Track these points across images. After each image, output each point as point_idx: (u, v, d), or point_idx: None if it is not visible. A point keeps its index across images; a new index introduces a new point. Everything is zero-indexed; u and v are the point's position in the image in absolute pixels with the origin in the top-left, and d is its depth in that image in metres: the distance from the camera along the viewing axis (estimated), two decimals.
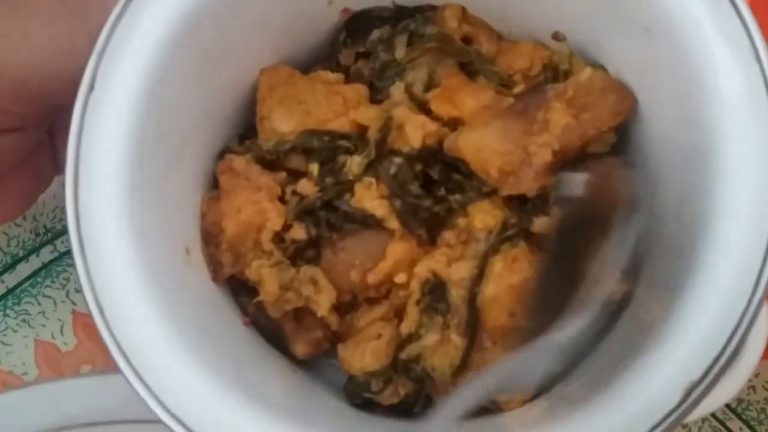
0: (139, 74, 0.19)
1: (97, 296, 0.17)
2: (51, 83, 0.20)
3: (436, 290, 0.22)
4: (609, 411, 0.16)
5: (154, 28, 0.20)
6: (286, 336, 0.25)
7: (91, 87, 0.18)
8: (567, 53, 0.24)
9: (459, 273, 0.22)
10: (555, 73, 0.24)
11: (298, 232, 0.23)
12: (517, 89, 0.24)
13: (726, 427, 0.28)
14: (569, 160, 0.23)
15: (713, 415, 0.29)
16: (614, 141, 0.24)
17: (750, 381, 0.29)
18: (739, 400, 0.29)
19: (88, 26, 0.19)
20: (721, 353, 0.16)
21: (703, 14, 0.19)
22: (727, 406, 0.29)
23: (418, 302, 0.23)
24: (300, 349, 0.25)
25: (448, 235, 0.23)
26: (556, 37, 0.25)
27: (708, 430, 0.29)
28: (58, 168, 0.25)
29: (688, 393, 0.16)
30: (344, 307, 0.24)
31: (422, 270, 0.23)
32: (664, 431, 0.16)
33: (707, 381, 0.16)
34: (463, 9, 0.25)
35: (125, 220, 0.18)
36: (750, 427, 0.28)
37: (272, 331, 0.25)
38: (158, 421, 0.23)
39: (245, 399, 0.18)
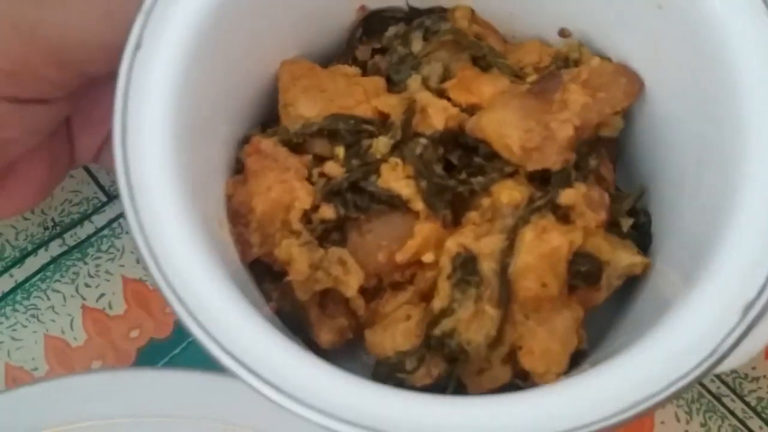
0: (180, 41, 0.20)
1: (150, 245, 0.17)
2: (84, 50, 0.20)
3: (467, 264, 0.22)
4: (667, 341, 0.16)
5: (192, 3, 0.20)
6: (311, 323, 0.24)
7: (138, 45, 0.18)
8: (576, 44, 0.26)
9: (489, 246, 0.22)
10: (566, 62, 0.26)
11: (327, 212, 0.23)
12: (530, 79, 0.26)
13: (746, 426, 0.29)
14: (585, 140, 0.24)
15: (733, 413, 0.29)
16: (623, 126, 0.25)
17: None
18: (759, 398, 0.29)
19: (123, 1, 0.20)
20: None
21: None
22: (746, 404, 0.29)
23: (449, 277, 0.23)
24: (325, 336, 0.24)
25: (472, 216, 0.24)
26: (563, 33, 0.27)
27: (728, 429, 0.29)
28: (75, 161, 0.25)
29: (746, 311, 0.16)
30: (369, 293, 0.24)
31: (452, 245, 0.23)
32: (727, 351, 0.16)
33: (763, 299, 0.16)
34: (472, 11, 0.27)
35: (174, 176, 0.18)
36: None
37: (296, 319, 0.24)
38: (170, 416, 0.22)
39: (291, 347, 0.18)
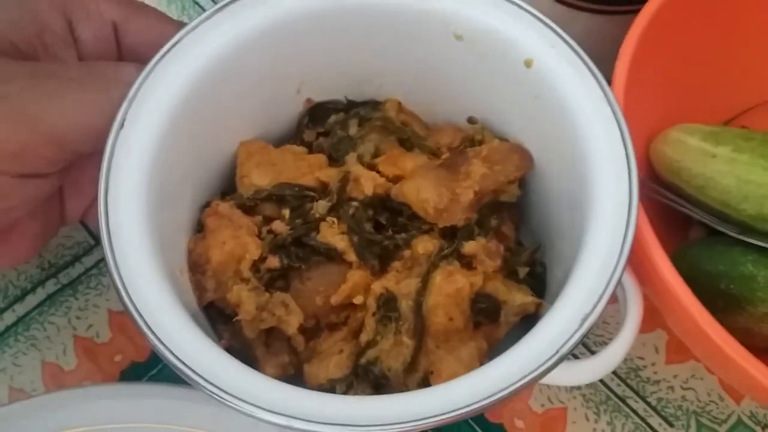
0: (156, 122, 0.25)
1: (126, 286, 0.21)
2: (78, 134, 0.24)
3: (389, 303, 0.27)
4: (531, 344, 0.21)
5: (169, 91, 0.26)
6: (257, 359, 0.28)
7: (122, 124, 0.24)
8: (480, 128, 0.32)
9: (407, 287, 0.27)
10: (472, 143, 0.31)
11: (273, 262, 0.27)
12: (444, 157, 0.31)
13: (647, 423, 0.33)
14: (486, 202, 0.29)
15: (636, 413, 0.33)
16: (520, 194, 0.31)
17: (669, 381, 0.34)
18: (659, 399, 0.33)
19: (109, 94, 0.25)
20: (603, 293, 0.21)
21: (574, 82, 0.26)
22: (648, 404, 0.33)
23: (374, 314, 0.27)
24: (269, 371, 0.28)
25: (396, 265, 0.28)
26: (470, 120, 0.32)
27: (631, 426, 0.32)
28: (64, 219, 0.29)
29: (583, 320, 0.21)
30: (309, 333, 0.28)
31: (377, 288, 0.27)
32: (568, 351, 0.20)
33: (595, 312, 0.21)
34: (399, 103, 0.33)
35: (145, 231, 0.23)
36: (668, 422, 0.33)
37: (245, 355, 0.28)
38: (154, 422, 0.25)
39: (232, 361, 0.22)
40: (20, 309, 0.33)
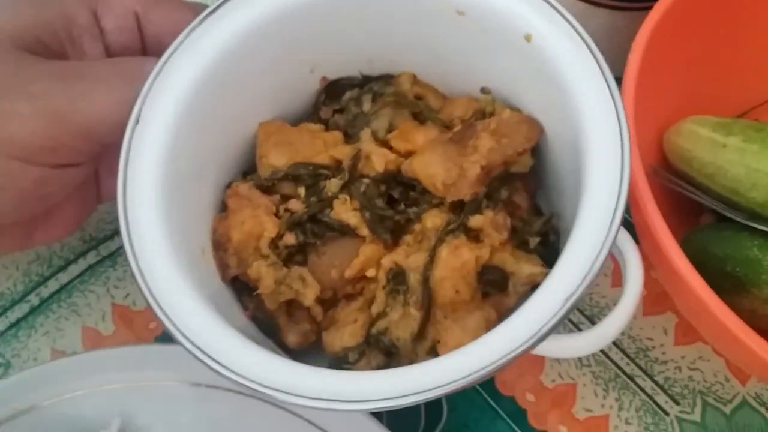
0: (171, 115, 0.27)
1: (143, 273, 0.24)
2: (107, 128, 0.27)
3: (398, 276, 0.28)
4: (521, 321, 0.22)
5: (181, 83, 0.27)
6: (280, 328, 0.30)
7: (137, 121, 0.26)
8: (491, 100, 0.32)
9: (415, 261, 0.28)
10: (483, 115, 0.31)
11: (290, 239, 0.29)
12: (456, 129, 0.31)
13: (654, 401, 0.33)
14: (496, 175, 0.29)
15: (643, 390, 0.33)
16: (533, 163, 0.31)
17: (676, 362, 0.34)
18: (666, 378, 0.33)
19: (133, 90, 0.27)
20: (587, 273, 0.22)
21: (568, 54, 0.26)
22: (655, 382, 0.33)
23: (384, 287, 0.28)
24: (292, 338, 0.30)
25: (407, 238, 0.29)
26: (484, 90, 0.32)
27: (638, 403, 0.33)
28: (100, 198, 0.32)
29: (567, 299, 0.21)
30: (326, 303, 0.30)
31: (387, 262, 0.28)
32: (551, 328, 0.21)
33: (578, 292, 0.22)
34: (414, 75, 0.33)
35: (159, 215, 0.25)
36: (674, 401, 0.33)
37: (268, 324, 0.30)
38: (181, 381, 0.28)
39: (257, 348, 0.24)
40: (63, 278, 0.36)
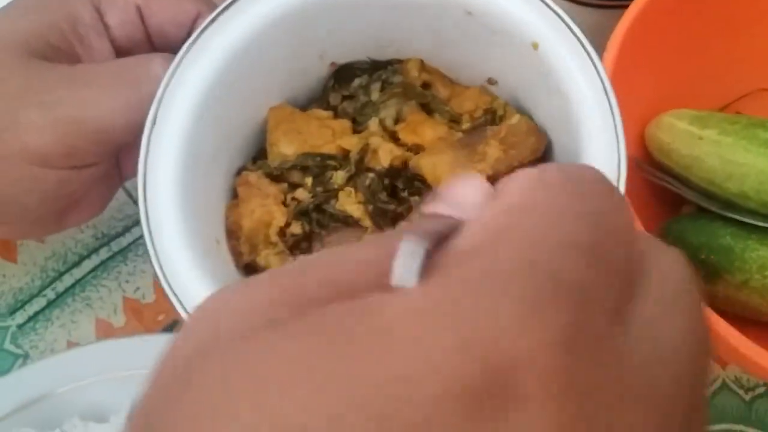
0: (184, 114, 0.28)
1: (161, 263, 0.26)
2: (116, 131, 0.28)
3: None
4: None
5: (194, 83, 0.28)
6: None
7: (154, 122, 0.27)
8: (503, 103, 0.32)
9: None
10: (493, 116, 0.32)
11: (296, 228, 0.31)
12: (465, 126, 0.32)
13: None
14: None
15: None
16: None
17: None
18: None
19: (140, 93, 0.28)
20: None
21: (571, 64, 0.27)
22: None
23: None
24: None
25: (405, 225, 0.31)
26: (490, 81, 0.33)
27: None
28: (122, 177, 0.33)
29: None
30: None
31: None
32: None
33: None
34: (422, 61, 0.34)
35: (175, 210, 0.26)
36: None
37: None
38: None
39: None
40: (77, 273, 0.37)
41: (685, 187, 0.34)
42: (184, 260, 0.26)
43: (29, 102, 0.27)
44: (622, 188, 0.26)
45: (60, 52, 0.29)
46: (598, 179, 0.13)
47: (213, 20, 0.28)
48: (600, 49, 0.27)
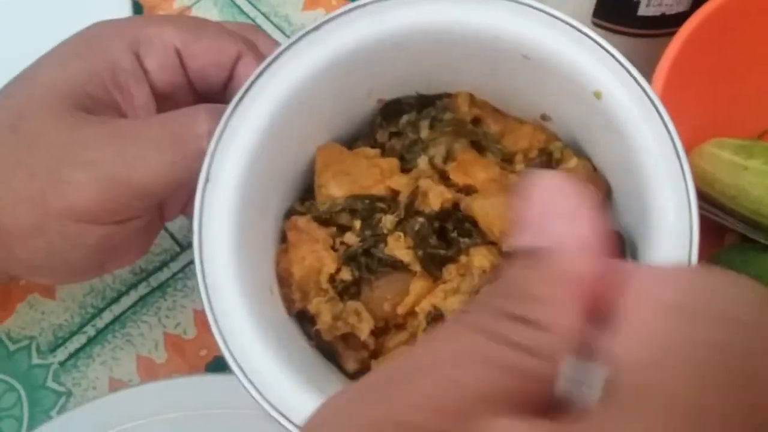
0: (237, 167, 0.27)
1: (216, 315, 0.25)
2: (158, 187, 0.28)
3: (436, 319, 0.29)
4: None
5: (245, 135, 0.27)
6: (339, 355, 0.32)
7: (207, 179, 0.26)
8: (560, 146, 0.31)
9: (453, 304, 0.29)
10: (549, 158, 0.31)
11: (346, 274, 0.30)
12: (518, 167, 0.31)
13: None
14: None
15: None
16: None
17: None
18: None
19: (185, 151, 0.28)
20: None
21: (638, 116, 0.26)
22: None
23: (424, 330, 0.29)
24: (351, 365, 0.31)
25: (451, 268, 0.30)
26: (543, 117, 0.32)
27: None
28: (163, 221, 0.33)
29: None
30: (378, 331, 0.31)
31: (426, 305, 0.29)
32: None
33: None
34: (471, 95, 0.33)
35: (232, 268, 0.26)
36: None
37: (329, 351, 0.32)
38: (234, 408, 0.30)
39: (316, 391, 0.26)
40: (116, 309, 0.37)
41: (731, 218, 0.34)
42: (239, 316, 0.26)
43: (74, 160, 0.26)
44: (695, 236, 0.25)
45: (101, 102, 0.29)
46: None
47: (261, 73, 0.27)
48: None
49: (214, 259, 0.26)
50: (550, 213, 0.14)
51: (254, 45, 0.32)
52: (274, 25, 0.45)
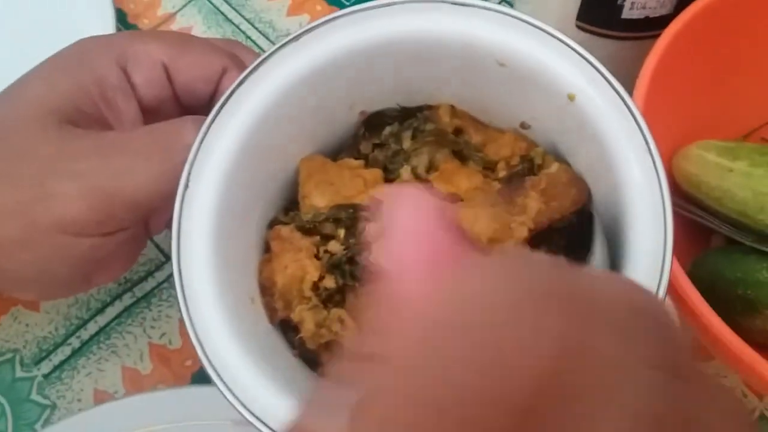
0: (216, 176, 0.27)
1: (194, 325, 0.25)
2: (148, 198, 0.28)
3: None
4: None
5: (225, 145, 0.28)
6: (323, 364, 0.32)
7: (186, 186, 0.26)
8: (541, 152, 0.31)
9: None
10: (531, 164, 0.31)
11: (330, 282, 0.30)
12: (500, 174, 0.31)
13: None
14: (539, 233, 0.30)
15: None
16: (574, 221, 0.31)
17: None
18: None
19: (173, 161, 0.28)
20: None
21: (610, 116, 0.26)
22: None
23: None
24: None
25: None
26: (523, 126, 0.32)
27: None
28: (149, 234, 0.33)
29: None
30: None
31: None
32: None
33: None
34: (453, 107, 0.33)
35: (211, 274, 0.26)
36: None
37: (312, 360, 0.32)
38: (220, 420, 0.30)
39: (299, 400, 0.25)
40: (101, 320, 0.37)
41: (717, 219, 0.34)
42: (218, 324, 0.26)
43: (62, 172, 0.26)
44: (670, 236, 0.25)
45: (88, 117, 0.29)
46: None
47: (242, 82, 0.27)
48: (619, 80, 0.27)
49: (192, 268, 0.26)
50: (397, 229, 0.14)
51: (239, 60, 0.32)
52: (259, 31, 0.45)
